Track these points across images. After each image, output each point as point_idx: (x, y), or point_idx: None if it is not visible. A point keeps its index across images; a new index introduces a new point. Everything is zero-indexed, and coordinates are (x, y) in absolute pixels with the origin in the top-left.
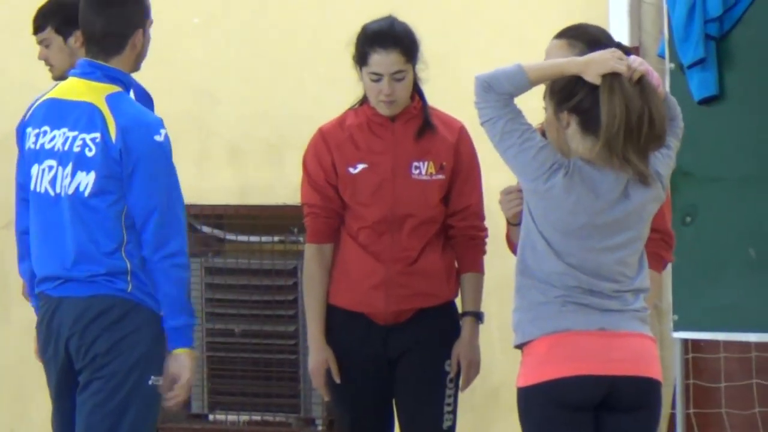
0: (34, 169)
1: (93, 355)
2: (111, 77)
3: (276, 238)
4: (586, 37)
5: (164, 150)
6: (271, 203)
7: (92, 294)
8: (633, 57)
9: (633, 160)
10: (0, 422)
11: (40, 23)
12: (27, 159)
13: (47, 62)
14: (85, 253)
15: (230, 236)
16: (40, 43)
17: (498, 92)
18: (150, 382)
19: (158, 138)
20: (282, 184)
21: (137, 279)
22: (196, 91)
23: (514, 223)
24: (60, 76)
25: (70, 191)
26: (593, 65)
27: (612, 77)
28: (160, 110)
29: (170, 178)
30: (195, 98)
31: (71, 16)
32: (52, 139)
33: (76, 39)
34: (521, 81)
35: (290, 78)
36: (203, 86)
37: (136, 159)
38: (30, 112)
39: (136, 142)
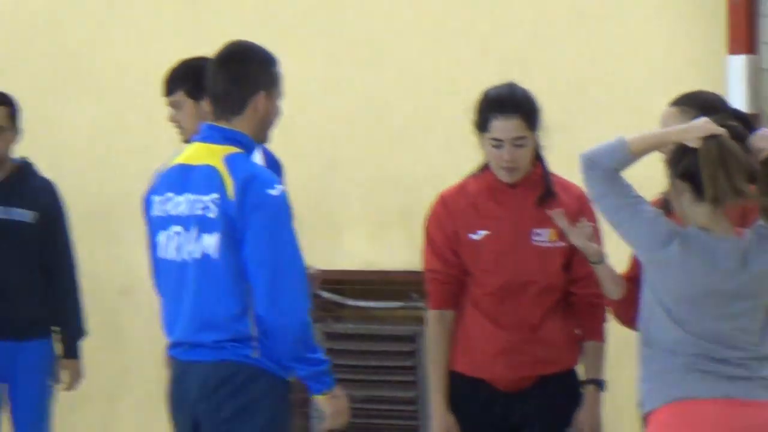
0: (161, 236)
1: (219, 420)
2: (230, 139)
3: (396, 304)
4: (700, 103)
5: (278, 204)
6: (392, 269)
7: (218, 360)
8: (761, 132)
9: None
10: None
11: (171, 86)
12: (154, 226)
13: (178, 125)
14: (212, 319)
15: (350, 302)
16: (170, 105)
17: (602, 168)
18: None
19: (272, 192)
20: (402, 250)
21: (263, 345)
22: (318, 159)
23: (595, 262)
24: (189, 139)
25: (197, 255)
26: (692, 130)
27: (711, 139)
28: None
29: (283, 232)
30: (317, 165)
31: (203, 79)
32: (176, 205)
33: (207, 103)
34: (623, 154)
35: (411, 144)
36: (325, 153)
37: (250, 212)
38: (155, 180)
39: (250, 195)
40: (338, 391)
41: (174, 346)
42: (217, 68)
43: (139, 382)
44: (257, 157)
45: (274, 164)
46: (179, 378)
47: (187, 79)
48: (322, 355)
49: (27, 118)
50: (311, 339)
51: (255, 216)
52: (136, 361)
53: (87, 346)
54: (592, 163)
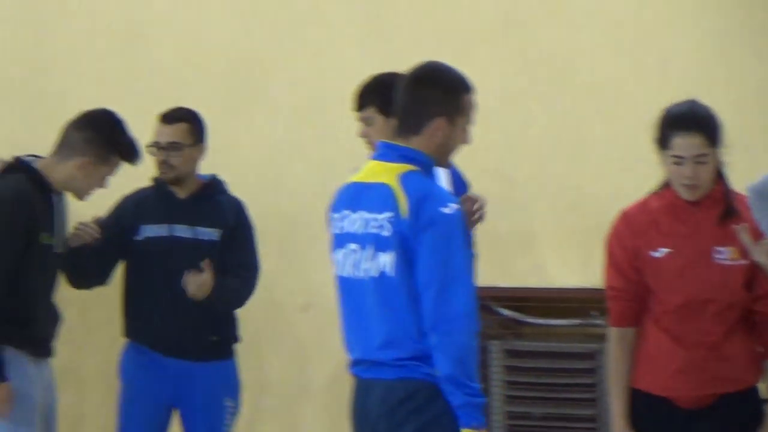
0: (339, 254)
1: None
2: (405, 157)
3: (575, 321)
4: None
5: (450, 222)
6: (571, 286)
7: (399, 377)
8: None
9: None
10: None
11: (362, 101)
12: (333, 244)
13: (368, 140)
14: (392, 338)
15: (530, 319)
16: (361, 120)
17: None
18: None
19: (445, 210)
20: (582, 267)
21: None
22: (495, 174)
23: None
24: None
25: (374, 273)
26: None
27: None
28: None
29: (453, 251)
30: (494, 180)
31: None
32: (352, 223)
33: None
34: None
35: (590, 161)
36: (505, 170)
37: (421, 230)
38: (335, 197)
39: (422, 213)
40: None
41: (355, 363)
42: (405, 86)
43: (318, 398)
44: (442, 176)
45: (460, 183)
46: (361, 395)
47: (379, 95)
48: (479, 389)
49: (210, 138)
50: (472, 367)
51: (426, 234)
52: (317, 377)
53: (269, 363)
54: (759, 194)
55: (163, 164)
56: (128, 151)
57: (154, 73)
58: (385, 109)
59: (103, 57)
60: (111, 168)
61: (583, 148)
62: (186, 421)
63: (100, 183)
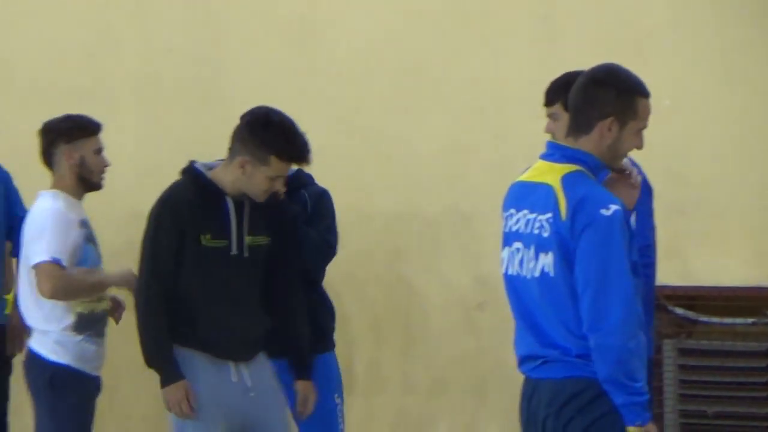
0: (505, 252)
1: None
2: (570, 157)
3: (749, 320)
4: None
5: (609, 224)
6: (745, 285)
7: (566, 376)
8: None
9: None
10: None
11: (550, 97)
12: (502, 242)
13: (553, 136)
14: (556, 334)
15: (703, 318)
16: (549, 116)
17: None
18: None
19: (605, 212)
20: (756, 266)
21: None
22: (669, 173)
23: None
24: None
25: (536, 273)
26: None
27: None
28: None
29: (612, 253)
30: (668, 180)
31: None
32: (517, 222)
33: None
34: None
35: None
36: (676, 168)
37: (580, 232)
38: (506, 196)
39: (582, 214)
40: (652, 427)
41: (522, 361)
42: (579, 85)
43: (496, 395)
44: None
45: (645, 186)
46: (529, 395)
47: (566, 92)
48: (643, 387)
49: (376, 137)
50: (634, 365)
51: (585, 235)
52: (495, 374)
53: (447, 358)
54: None
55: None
56: (284, 151)
57: (328, 72)
58: None
59: (276, 56)
60: (272, 168)
61: (761, 147)
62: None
63: (266, 183)
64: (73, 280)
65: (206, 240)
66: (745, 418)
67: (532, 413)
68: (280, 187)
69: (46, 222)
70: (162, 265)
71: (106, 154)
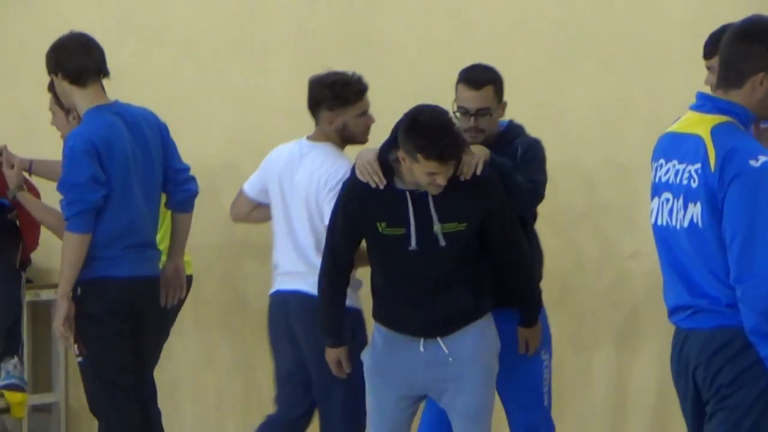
0: (655, 202)
1: (717, 386)
2: (720, 109)
3: None
4: None
5: (758, 174)
6: None
7: (716, 325)
8: None
9: None
10: None
11: (709, 50)
12: (652, 192)
13: (712, 88)
14: (706, 284)
15: None
16: (708, 68)
17: None
18: None
19: (754, 163)
20: None
21: None
22: None
23: None
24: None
25: (685, 224)
26: None
27: None
28: None
29: (760, 203)
30: None
31: None
32: (666, 172)
33: None
34: None
35: None
36: None
37: (728, 183)
38: (655, 147)
39: (730, 166)
40: None
41: (672, 312)
42: (729, 39)
43: (650, 344)
44: None
45: None
46: (679, 345)
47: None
48: None
49: (533, 88)
50: None
51: (733, 186)
52: (645, 323)
53: (597, 314)
54: None
55: (472, 129)
56: (426, 150)
57: (479, 25)
58: None
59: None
60: (423, 165)
61: None
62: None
63: (426, 177)
64: None
65: (382, 228)
66: None
67: (683, 363)
68: (441, 181)
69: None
70: (336, 243)
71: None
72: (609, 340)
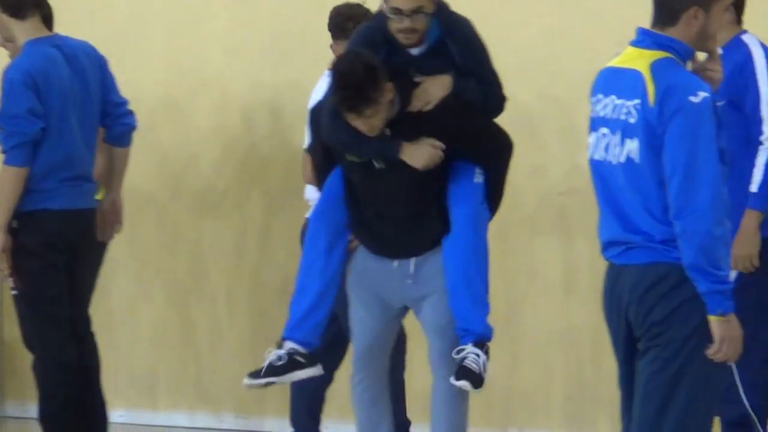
0: (592, 137)
1: (650, 323)
2: (660, 44)
3: None
4: None
5: (698, 110)
6: None
7: (649, 262)
8: None
9: None
10: None
11: None
12: (590, 127)
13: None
14: (640, 220)
15: None
16: (724, 8)
17: None
18: (707, 352)
19: (693, 99)
20: None
21: None
22: None
23: None
24: None
25: (622, 159)
26: None
27: None
28: None
29: (700, 140)
30: None
31: None
32: (604, 107)
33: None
34: None
35: None
36: None
37: (668, 119)
38: (594, 81)
39: (670, 101)
40: (733, 317)
41: (606, 246)
42: None
43: (584, 280)
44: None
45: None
46: (612, 280)
47: None
48: (727, 275)
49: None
50: (719, 253)
51: (673, 122)
52: (583, 260)
53: (538, 243)
54: None
55: (407, 30)
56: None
57: None
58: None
59: None
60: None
61: None
62: None
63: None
64: None
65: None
66: None
67: (615, 299)
68: (362, 127)
69: None
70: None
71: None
72: (544, 277)
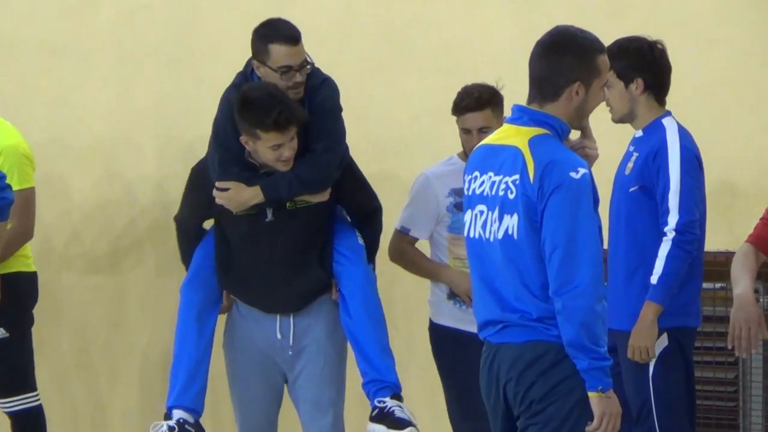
0: (468, 215)
1: (529, 401)
2: (537, 121)
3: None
4: None
5: (578, 186)
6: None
7: (527, 340)
8: None
9: None
10: None
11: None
12: (464, 205)
13: (607, 104)
14: (517, 298)
15: None
16: (603, 85)
17: None
18: (587, 428)
19: (574, 175)
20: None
21: None
22: None
23: None
24: (619, 120)
25: (500, 236)
26: None
27: None
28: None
29: (580, 216)
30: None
31: (638, 63)
32: (481, 184)
33: (636, 86)
34: None
35: None
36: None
37: (548, 195)
38: (469, 160)
39: (550, 177)
40: (612, 393)
41: (482, 327)
42: (539, 52)
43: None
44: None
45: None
46: (490, 359)
47: (619, 60)
48: (606, 352)
49: (353, 99)
50: (599, 330)
51: (553, 198)
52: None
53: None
54: None
55: (298, 85)
56: (257, 121)
57: (305, 34)
58: (624, 76)
59: (251, 16)
60: (264, 142)
61: None
62: None
63: (271, 154)
64: None
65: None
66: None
67: (493, 378)
68: (287, 153)
69: None
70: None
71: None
72: (419, 358)
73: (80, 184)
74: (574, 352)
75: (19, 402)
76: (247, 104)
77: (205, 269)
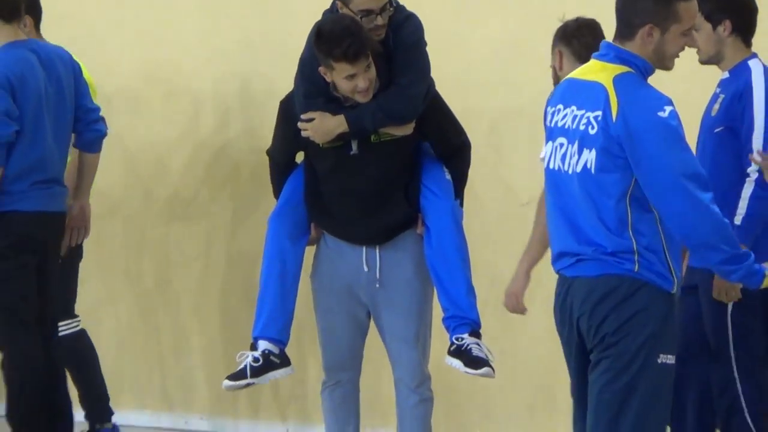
0: (548, 147)
1: (602, 334)
2: (622, 59)
3: None
4: None
5: (667, 126)
6: None
7: (600, 273)
8: None
9: None
10: None
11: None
12: (546, 136)
13: (696, 45)
14: (593, 231)
15: None
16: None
17: None
18: (659, 361)
19: (661, 114)
20: None
21: (644, 258)
22: None
23: None
24: (706, 61)
25: (578, 169)
26: None
27: None
28: None
29: (669, 154)
30: None
31: (726, 5)
32: (563, 117)
33: (724, 28)
34: None
35: None
36: None
37: (637, 136)
38: (553, 92)
39: (636, 118)
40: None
41: (556, 258)
42: None
43: (547, 290)
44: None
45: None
46: (563, 293)
47: (708, 1)
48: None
49: (434, 36)
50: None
51: (642, 140)
52: (544, 271)
53: (501, 254)
54: None
55: (380, 28)
56: (329, 52)
57: None
58: (712, 18)
59: None
60: (338, 72)
61: None
62: None
63: (347, 84)
64: None
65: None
66: None
67: (566, 312)
68: (362, 84)
69: None
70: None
71: None
72: (501, 288)
73: (168, 116)
74: (704, 253)
75: (65, 327)
76: (320, 36)
77: (294, 201)
